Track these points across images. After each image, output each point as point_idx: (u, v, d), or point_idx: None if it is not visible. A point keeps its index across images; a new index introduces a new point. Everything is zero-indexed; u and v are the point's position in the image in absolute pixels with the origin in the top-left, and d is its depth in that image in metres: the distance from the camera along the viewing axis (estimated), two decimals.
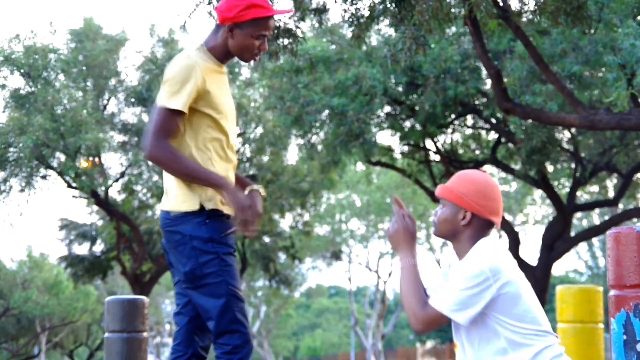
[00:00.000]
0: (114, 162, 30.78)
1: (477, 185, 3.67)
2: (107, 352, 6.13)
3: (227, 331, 3.97)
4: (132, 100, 20.05)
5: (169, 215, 4.00)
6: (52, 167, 18.57)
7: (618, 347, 3.57)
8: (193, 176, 3.96)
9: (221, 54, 4.18)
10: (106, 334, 6.16)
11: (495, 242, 3.67)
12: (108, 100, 20.72)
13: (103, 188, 20.18)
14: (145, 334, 6.15)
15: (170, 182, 4.05)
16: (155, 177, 20.52)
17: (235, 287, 4.02)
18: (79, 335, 46.71)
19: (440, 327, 3.55)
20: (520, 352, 3.50)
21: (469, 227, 3.66)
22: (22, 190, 18.21)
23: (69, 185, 19.35)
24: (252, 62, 4.38)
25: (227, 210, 4.05)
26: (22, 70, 17.66)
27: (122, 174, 20.91)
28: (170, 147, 3.96)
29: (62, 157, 18.46)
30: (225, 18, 4.09)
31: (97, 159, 19.88)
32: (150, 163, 19.71)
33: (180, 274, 4.02)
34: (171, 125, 3.97)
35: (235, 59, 4.27)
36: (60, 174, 18.68)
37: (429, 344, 55.67)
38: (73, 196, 22.34)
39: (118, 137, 20.49)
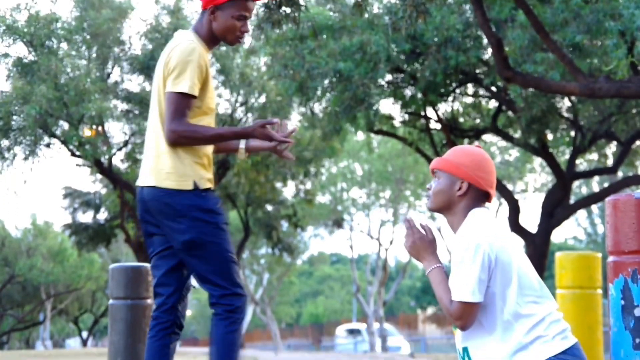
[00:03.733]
0: (117, 130, 30.69)
1: (473, 157, 3.74)
2: (111, 318, 6.22)
3: (230, 294, 4.22)
4: (136, 69, 19.99)
5: (162, 189, 4.18)
6: (55, 136, 18.60)
7: (616, 312, 3.65)
8: (220, 135, 4.27)
9: (208, 38, 4.36)
10: (110, 301, 6.25)
11: (487, 212, 3.73)
12: (112, 69, 20.66)
13: (106, 156, 20.21)
14: (149, 301, 6.23)
15: (163, 161, 4.21)
16: None
17: (232, 254, 4.30)
18: (84, 302, 46.92)
19: (474, 320, 3.60)
20: (523, 323, 3.56)
21: (464, 197, 3.71)
22: (26, 159, 18.25)
23: (73, 154, 19.40)
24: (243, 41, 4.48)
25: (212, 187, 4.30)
26: (24, 39, 17.61)
27: (126, 143, 20.95)
28: (188, 122, 4.19)
29: (66, 126, 18.49)
30: (207, 1, 4.31)
31: (100, 128, 19.90)
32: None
33: (177, 243, 4.21)
34: (185, 109, 4.18)
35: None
36: (64, 142, 18.71)
37: (430, 310, 55.94)
38: (77, 165, 22.41)
39: (121, 106, 20.47)
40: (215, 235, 4.20)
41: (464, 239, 3.60)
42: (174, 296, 4.34)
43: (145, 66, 19.24)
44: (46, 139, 18.61)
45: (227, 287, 4.22)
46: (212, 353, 4.26)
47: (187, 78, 4.15)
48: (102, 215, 28.34)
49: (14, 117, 17.49)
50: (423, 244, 3.73)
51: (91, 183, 29.53)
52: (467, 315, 3.55)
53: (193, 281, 4.41)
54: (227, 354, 4.22)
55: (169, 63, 4.22)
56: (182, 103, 4.16)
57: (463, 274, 3.54)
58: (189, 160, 4.22)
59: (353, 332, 38.79)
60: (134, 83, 21.16)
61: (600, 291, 6.11)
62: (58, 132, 18.56)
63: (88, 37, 19.41)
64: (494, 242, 3.60)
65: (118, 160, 22.89)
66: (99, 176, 26.75)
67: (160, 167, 4.21)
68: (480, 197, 3.74)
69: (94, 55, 19.95)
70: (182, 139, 4.15)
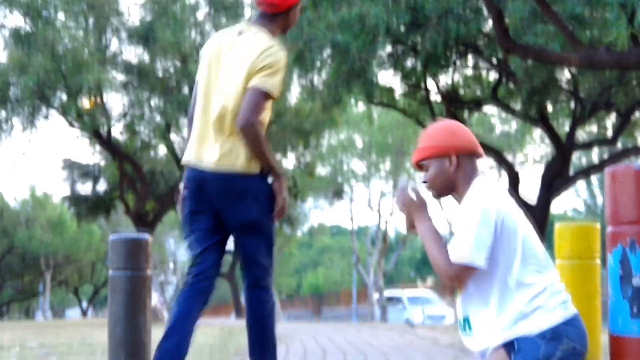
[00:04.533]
0: (116, 102, 30.65)
1: (443, 130, 3.74)
2: (111, 289, 6.22)
3: (269, 276, 4.60)
4: (135, 40, 19.89)
5: (234, 172, 4.46)
6: (53, 107, 18.56)
7: (614, 282, 3.65)
8: (267, 155, 4.49)
9: (275, 37, 4.66)
10: (110, 272, 6.25)
11: (489, 180, 3.73)
12: (110, 40, 20.57)
13: (105, 128, 20.18)
14: (149, 272, 6.23)
15: (236, 145, 4.46)
16: (158, 118, 20.49)
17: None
18: (84, 273, 47.06)
19: (466, 281, 3.57)
20: (524, 292, 3.56)
21: (459, 170, 3.70)
22: (24, 130, 18.23)
23: (71, 125, 19.37)
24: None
25: None
26: (21, 10, 17.52)
27: (125, 115, 20.90)
28: (261, 122, 4.49)
29: (64, 97, 18.44)
30: (285, 5, 4.63)
31: (99, 99, 19.85)
32: (152, 104, 19.71)
33: (237, 221, 4.51)
34: (264, 108, 4.49)
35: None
36: (63, 113, 18.68)
37: (430, 281, 56.10)
38: (76, 136, 22.40)
39: (120, 77, 20.40)
40: (270, 220, 4.55)
41: (469, 205, 3.60)
42: (211, 269, 4.58)
43: (144, 37, 19.15)
44: (44, 110, 18.57)
45: (268, 269, 4.58)
46: (255, 332, 4.54)
47: (277, 82, 4.46)
48: (102, 186, 28.33)
49: (12, 88, 17.43)
50: (413, 205, 3.71)
51: (90, 155, 29.50)
52: (465, 278, 3.55)
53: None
54: (270, 335, 4.53)
55: (265, 60, 4.47)
56: (264, 102, 4.46)
57: (468, 236, 3.53)
58: None
59: (392, 300, 37.80)
60: (132, 54, 21.08)
61: (598, 261, 6.12)
62: (56, 104, 18.51)
63: (85, 7, 19.31)
64: (501, 207, 3.60)
65: (117, 132, 22.89)
66: (98, 147, 26.74)
67: (233, 151, 4.47)
68: (471, 161, 3.73)
69: (92, 25, 19.86)
70: (251, 134, 4.42)
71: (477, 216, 3.55)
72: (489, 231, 3.54)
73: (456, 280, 3.55)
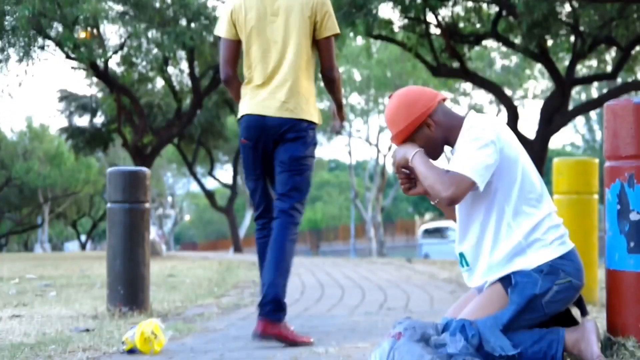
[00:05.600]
0: (112, 33, 30.34)
1: (401, 108, 3.69)
2: (109, 222, 6.24)
3: (300, 207, 4.92)
4: None
5: (299, 118, 4.84)
6: (50, 38, 18.35)
7: (611, 216, 3.66)
8: (341, 95, 5.10)
9: None
10: (108, 205, 6.26)
11: (480, 114, 3.72)
12: None
13: (102, 59, 20.02)
14: (147, 205, 6.24)
15: (309, 97, 4.90)
16: (155, 50, 20.33)
17: None
18: (82, 206, 47.20)
19: (464, 196, 3.52)
20: (521, 224, 3.56)
21: (439, 126, 3.68)
22: (20, 61, 18.04)
23: (68, 57, 19.20)
24: None
25: None
26: None
27: (122, 46, 20.71)
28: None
29: (60, 28, 18.22)
30: None
31: (95, 30, 19.66)
32: (150, 35, 19.52)
33: (288, 158, 4.84)
34: None
35: None
36: (59, 44, 18.49)
37: (427, 216, 56.35)
38: (72, 67, 22.24)
39: (117, 8, 20.13)
40: (312, 161, 4.98)
41: (469, 133, 3.58)
42: (269, 203, 4.97)
43: None
44: (40, 41, 18.35)
45: (301, 201, 4.92)
46: (275, 252, 4.77)
47: (336, 23, 4.95)
48: (99, 119, 28.26)
49: (7, 18, 17.21)
50: (402, 146, 3.70)
51: (87, 87, 29.35)
52: (461, 189, 3.48)
53: None
54: (287, 257, 4.78)
55: (322, 8, 4.93)
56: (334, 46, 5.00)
57: (469, 155, 3.50)
58: (314, 99, 5.00)
59: (438, 231, 37.10)
60: None
61: (596, 197, 6.13)
62: (52, 34, 18.31)
63: None
64: (501, 134, 3.59)
65: (114, 64, 22.72)
66: (95, 80, 26.59)
67: (293, 98, 4.83)
68: (442, 109, 3.71)
69: None
70: (337, 79, 5.00)
71: (478, 141, 3.53)
72: (490, 155, 3.52)
73: (453, 186, 3.47)
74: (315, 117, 4.95)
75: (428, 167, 3.57)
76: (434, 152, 3.71)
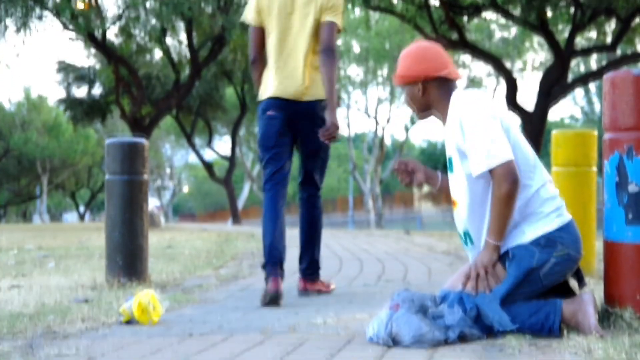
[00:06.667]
0: (110, 4, 30.23)
1: (410, 57, 3.80)
2: (108, 193, 6.23)
3: (322, 183, 5.63)
4: None
5: (319, 99, 5.30)
6: (47, 8, 18.26)
7: (610, 188, 3.66)
8: (334, 84, 5.27)
9: None
10: (107, 176, 6.25)
11: (469, 89, 3.74)
12: None
13: (100, 30, 19.93)
14: (145, 176, 6.23)
15: (319, 78, 5.29)
16: (153, 21, 20.23)
17: None
18: (80, 177, 47.19)
19: (517, 175, 3.50)
20: (519, 196, 3.56)
21: (427, 95, 3.76)
22: (17, 31, 17.97)
23: (66, 27, 19.12)
24: None
25: None
26: None
27: (120, 17, 20.61)
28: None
29: None
30: None
31: (93, 1, 19.56)
32: (148, 6, 19.43)
33: (313, 143, 5.36)
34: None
35: None
36: (57, 14, 18.40)
37: (426, 188, 56.27)
38: (70, 38, 22.14)
39: None
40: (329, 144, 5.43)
41: (471, 107, 3.58)
42: (287, 173, 5.43)
43: None
44: (38, 11, 18.26)
45: (321, 181, 5.61)
46: (311, 232, 5.60)
47: (341, 19, 5.35)
48: (97, 90, 28.18)
49: None
50: (416, 179, 4.00)
51: (85, 58, 29.24)
52: (511, 176, 3.48)
53: None
54: (320, 234, 5.63)
55: (330, 1, 5.30)
56: (337, 34, 5.37)
57: (486, 136, 3.51)
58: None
59: None
60: None
61: (595, 169, 6.13)
62: (50, 4, 18.20)
63: None
64: (495, 107, 3.61)
65: (112, 35, 22.63)
66: (93, 51, 26.49)
67: (315, 81, 5.31)
68: (442, 83, 3.75)
69: None
70: (332, 57, 5.24)
71: (483, 116, 3.54)
72: (498, 125, 3.54)
73: (513, 184, 3.48)
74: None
75: (496, 216, 3.55)
76: (416, 110, 3.85)
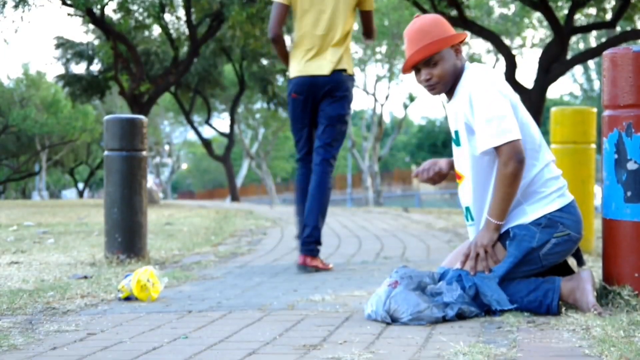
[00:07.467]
0: None
1: (437, 22, 3.69)
2: (106, 170, 6.23)
3: (335, 155, 5.82)
4: None
5: (349, 74, 5.74)
6: None
7: (609, 166, 3.66)
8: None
9: None
10: (105, 152, 6.24)
11: (480, 64, 3.71)
12: None
13: (99, 6, 19.85)
14: (144, 153, 6.23)
15: (349, 53, 5.78)
16: None
17: None
18: (79, 154, 47.13)
19: (523, 154, 3.50)
20: (524, 173, 3.56)
21: (459, 56, 3.71)
22: (16, 7, 17.90)
23: (64, 3, 19.04)
24: None
25: None
26: None
27: None
28: None
29: None
30: None
31: None
32: None
33: (334, 113, 5.72)
34: None
35: None
36: None
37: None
38: (68, 14, 22.04)
39: None
40: (349, 114, 5.85)
41: (478, 85, 3.56)
42: (312, 147, 5.82)
43: None
44: None
45: (338, 151, 5.78)
46: (318, 197, 5.68)
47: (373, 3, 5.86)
48: (96, 66, 28.11)
49: None
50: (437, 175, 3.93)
51: (84, 34, 29.11)
52: (517, 155, 3.47)
53: None
54: (326, 202, 5.71)
55: None
56: None
57: (495, 113, 3.49)
58: (352, 62, 5.87)
59: None
60: None
61: (594, 146, 6.13)
62: None
63: None
64: (504, 83, 3.60)
65: (111, 11, 22.53)
66: (91, 26, 26.39)
67: (344, 57, 5.69)
68: (454, 54, 3.70)
69: None
70: (374, 39, 5.96)
71: (492, 93, 3.53)
72: (507, 104, 3.53)
73: (519, 163, 3.47)
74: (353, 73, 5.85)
75: (499, 195, 3.54)
76: (448, 81, 3.68)
